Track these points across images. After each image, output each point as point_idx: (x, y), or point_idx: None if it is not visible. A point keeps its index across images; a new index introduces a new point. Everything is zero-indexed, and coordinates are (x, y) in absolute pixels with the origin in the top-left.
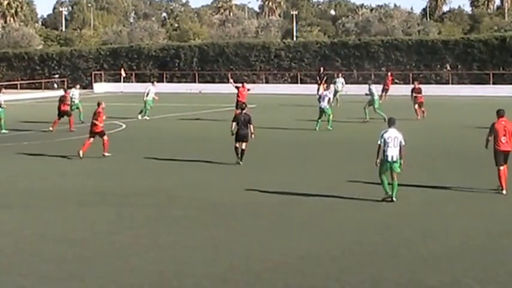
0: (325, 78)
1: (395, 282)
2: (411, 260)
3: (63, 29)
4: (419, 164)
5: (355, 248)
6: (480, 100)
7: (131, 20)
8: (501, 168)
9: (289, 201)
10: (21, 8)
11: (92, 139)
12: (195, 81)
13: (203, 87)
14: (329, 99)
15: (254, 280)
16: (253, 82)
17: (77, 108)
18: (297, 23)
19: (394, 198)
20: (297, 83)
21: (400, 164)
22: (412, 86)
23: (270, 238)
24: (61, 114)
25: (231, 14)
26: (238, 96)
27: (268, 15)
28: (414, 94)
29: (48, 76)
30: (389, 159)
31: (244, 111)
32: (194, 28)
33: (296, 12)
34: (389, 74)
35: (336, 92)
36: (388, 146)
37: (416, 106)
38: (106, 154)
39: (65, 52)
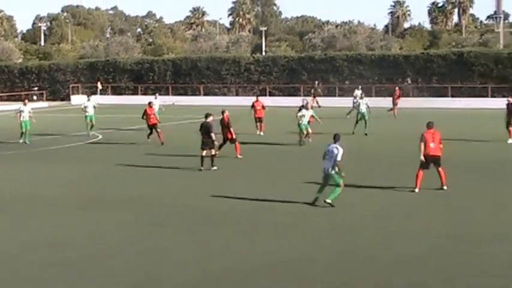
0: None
1: (371, 283)
2: (383, 261)
3: (42, 44)
4: (388, 170)
5: (330, 250)
6: (439, 112)
7: (107, 35)
8: (422, 172)
9: (264, 207)
10: (1, 23)
11: (232, 144)
12: (168, 94)
13: (177, 100)
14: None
15: (240, 280)
16: (224, 94)
17: (90, 120)
18: (266, 38)
19: (328, 200)
20: (265, 95)
21: (338, 176)
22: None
23: (249, 242)
24: (150, 127)
25: (203, 29)
26: (255, 112)
27: (239, 31)
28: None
29: (28, 88)
30: (323, 170)
31: (207, 119)
32: (168, 43)
33: (265, 28)
34: (396, 88)
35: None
36: (325, 159)
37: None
38: (239, 156)
39: (43, 66)
